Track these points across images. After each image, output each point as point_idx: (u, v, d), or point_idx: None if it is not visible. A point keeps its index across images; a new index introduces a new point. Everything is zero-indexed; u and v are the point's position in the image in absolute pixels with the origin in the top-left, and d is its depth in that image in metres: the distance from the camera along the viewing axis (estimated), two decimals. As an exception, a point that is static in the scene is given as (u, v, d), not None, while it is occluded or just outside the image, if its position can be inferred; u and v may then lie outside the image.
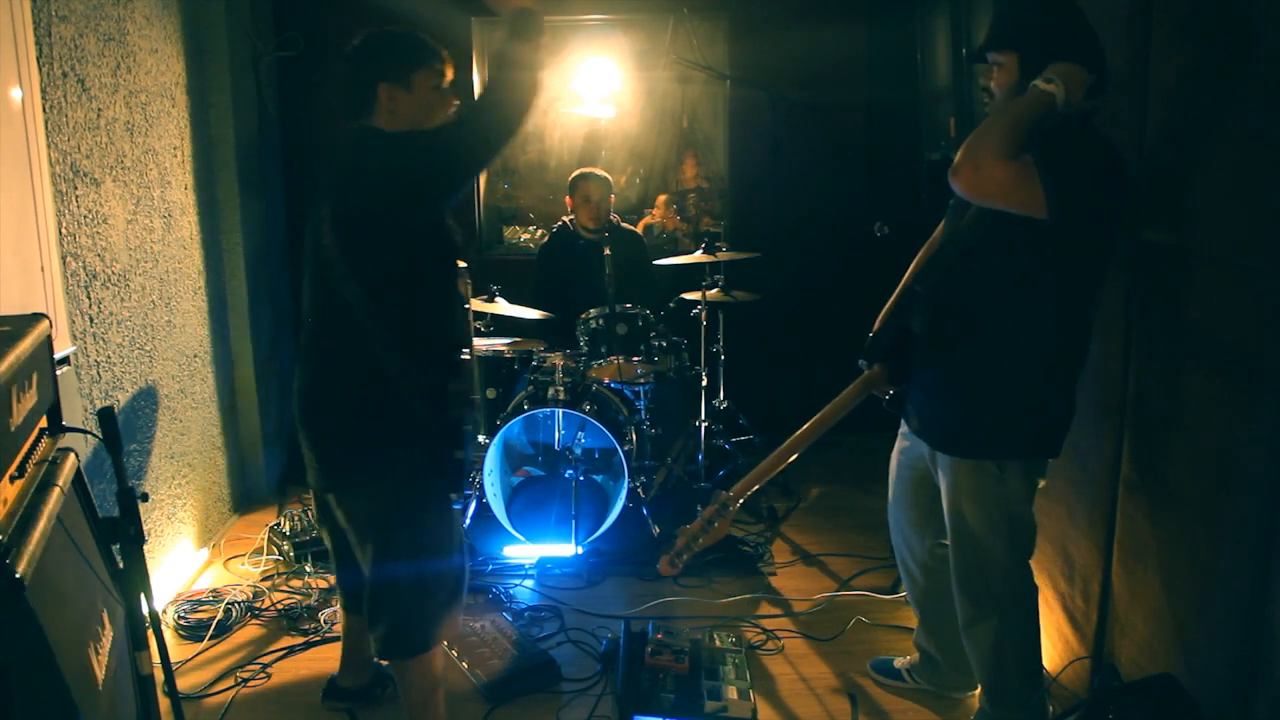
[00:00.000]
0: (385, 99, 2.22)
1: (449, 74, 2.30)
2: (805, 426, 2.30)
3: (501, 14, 2.18)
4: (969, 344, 2.13)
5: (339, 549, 2.41)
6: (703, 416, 4.15)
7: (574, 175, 4.35)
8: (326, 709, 2.61)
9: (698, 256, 4.06)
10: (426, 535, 2.19)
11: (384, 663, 2.50)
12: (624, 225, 4.47)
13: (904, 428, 2.47)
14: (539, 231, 5.20)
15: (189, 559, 3.49)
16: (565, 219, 4.40)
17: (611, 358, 3.83)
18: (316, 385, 2.22)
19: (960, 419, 2.21)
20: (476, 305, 3.86)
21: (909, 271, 2.44)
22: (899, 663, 2.76)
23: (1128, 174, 2.03)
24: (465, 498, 2.04)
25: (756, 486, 2.31)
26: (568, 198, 4.36)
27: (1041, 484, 2.27)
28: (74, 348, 2.73)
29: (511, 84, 2.16)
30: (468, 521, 3.69)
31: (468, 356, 2.35)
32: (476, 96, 2.18)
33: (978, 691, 2.59)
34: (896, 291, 2.43)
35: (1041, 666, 2.43)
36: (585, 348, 3.91)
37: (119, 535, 1.73)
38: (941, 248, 2.27)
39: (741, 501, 2.28)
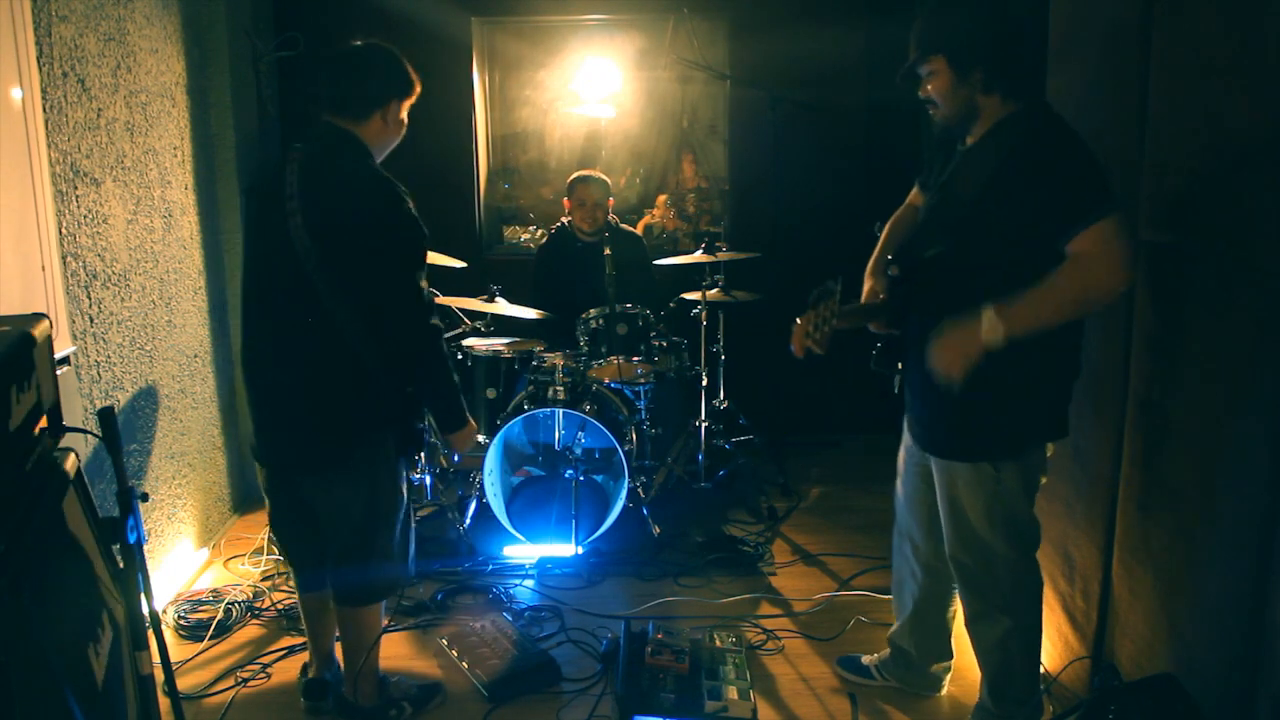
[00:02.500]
0: (382, 115, 2.34)
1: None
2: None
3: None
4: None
5: (297, 521, 2.51)
6: (703, 416, 4.15)
7: (572, 178, 4.34)
8: (307, 710, 2.61)
9: (698, 256, 4.06)
10: (395, 499, 2.45)
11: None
12: (623, 226, 4.46)
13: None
14: (539, 231, 5.19)
15: (189, 559, 3.49)
16: (564, 220, 4.40)
17: (611, 358, 3.83)
18: (301, 381, 2.33)
19: (954, 423, 2.21)
20: (477, 305, 3.86)
21: (879, 244, 2.45)
22: (867, 660, 2.77)
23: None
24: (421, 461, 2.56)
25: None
26: (565, 199, 4.35)
27: (1043, 481, 2.27)
28: (74, 348, 2.73)
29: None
30: (467, 521, 3.69)
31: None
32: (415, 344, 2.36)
33: (945, 691, 2.65)
34: (871, 262, 2.45)
35: (1041, 662, 2.44)
36: (585, 348, 3.91)
37: (119, 535, 1.73)
38: (924, 228, 2.27)
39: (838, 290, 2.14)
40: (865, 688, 2.72)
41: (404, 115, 2.40)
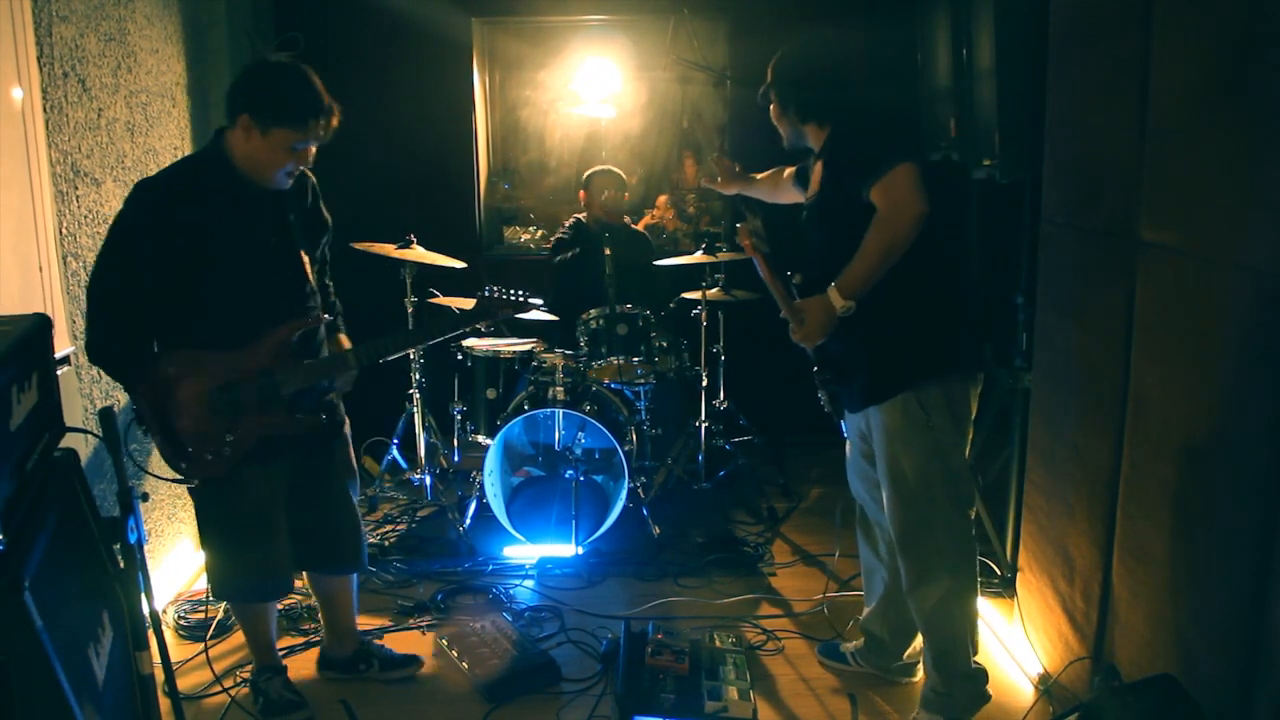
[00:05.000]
0: (242, 128, 2.30)
1: (312, 138, 2.31)
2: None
3: None
4: (855, 313, 2.33)
5: None
6: (703, 416, 4.15)
7: (589, 172, 4.41)
8: (323, 680, 2.74)
9: (698, 257, 4.06)
10: (198, 510, 2.49)
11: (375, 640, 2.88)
12: (633, 227, 4.50)
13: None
14: (539, 232, 5.20)
15: (189, 559, 3.48)
16: (579, 215, 4.43)
17: (611, 358, 3.83)
18: None
19: (872, 369, 2.40)
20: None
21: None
22: (845, 647, 2.83)
23: None
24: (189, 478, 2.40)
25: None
26: (582, 192, 4.38)
27: (969, 435, 2.41)
28: (74, 348, 2.73)
29: None
30: (467, 522, 3.69)
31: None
32: None
33: (919, 678, 2.68)
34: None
35: (977, 631, 2.50)
36: (585, 348, 3.90)
37: (119, 535, 1.73)
38: (804, 232, 2.61)
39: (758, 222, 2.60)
40: (846, 674, 2.78)
41: (281, 141, 2.25)
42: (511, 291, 2.77)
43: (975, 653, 2.49)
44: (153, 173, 3.26)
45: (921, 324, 2.36)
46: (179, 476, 2.33)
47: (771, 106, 2.54)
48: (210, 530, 2.47)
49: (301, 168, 2.37)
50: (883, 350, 2.38)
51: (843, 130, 2.44)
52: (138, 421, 2.32)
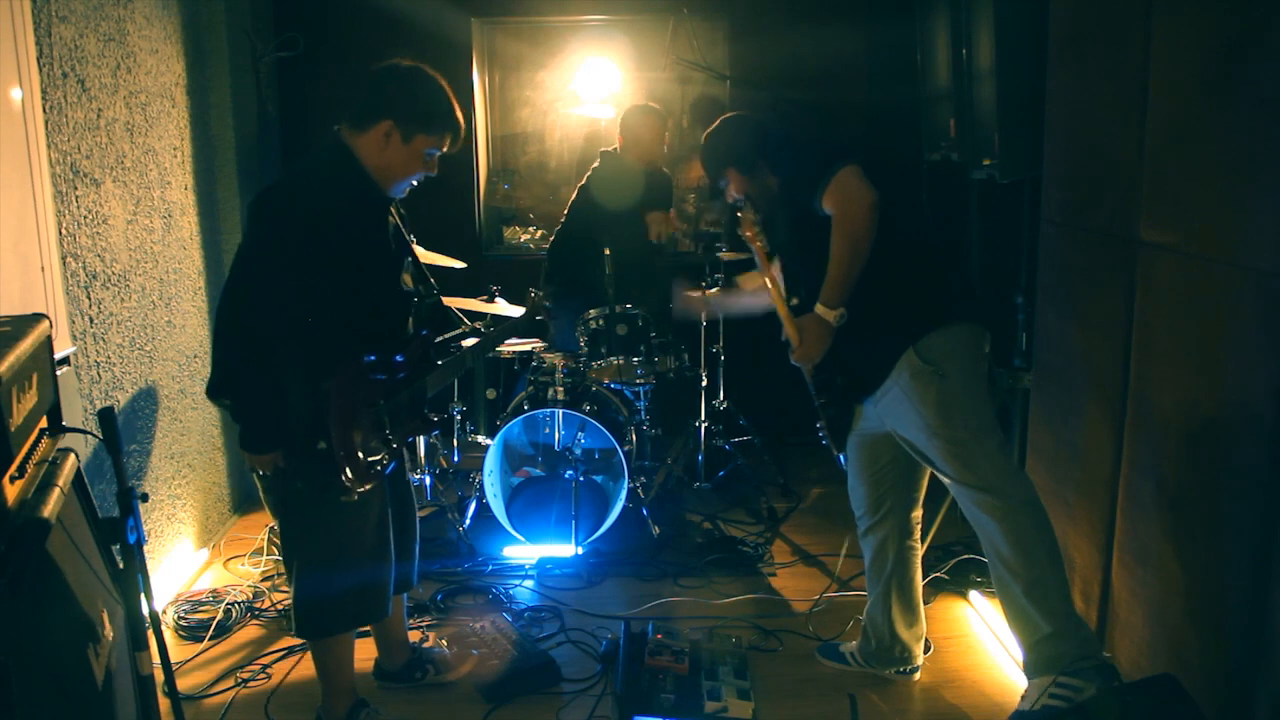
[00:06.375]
0: (381, 134, 2.23)
1: (446, 147, 2.32)
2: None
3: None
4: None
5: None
6: (703, 416, 4.15)
7: (630, 108, 4.19)
8: (381, 690, 2.70)
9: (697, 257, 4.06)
10: (300, 528, 2.33)
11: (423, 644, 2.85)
12: (664, 170, 4.40)
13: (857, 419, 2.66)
14: (539, 232, 5.20)
15: (189, 559, 3.48)
16: (612, 148, 4.23)
17: (611, 358, 3.83)
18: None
19: (871, 347, 2.44)
20: (476, 306, 3.86)
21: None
22: (845, 647, 2.85)
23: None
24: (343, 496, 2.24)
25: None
26: (619, 138, 4.19)
27: (985, 378, 2.41)
28: (74, 348, 2.73)
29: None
30: (467, 522, 3.69)
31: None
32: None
33: (917, 676, 2.71)
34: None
35: (1061, 555, 2.36)
36: (585, 348, 3.91)
37: (119, 535, 1.73)
38: (786, 269, 2.67)
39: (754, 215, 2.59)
40: (846, 674, 2.77)
41: (421, 148, 2.24)
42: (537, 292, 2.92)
43: (1062, 572, 2.33)
44: (152, 173, 3.29)
45: (902, 292, 2.42)
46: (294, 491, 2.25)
47: (732, 185, 2.66)
48: (326, 557, 2.32)
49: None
50: (874, 328, 2.43)
51: (783, 163, 2.53)
52: (284, 446, 2.21)
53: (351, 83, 2.41)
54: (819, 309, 2.38)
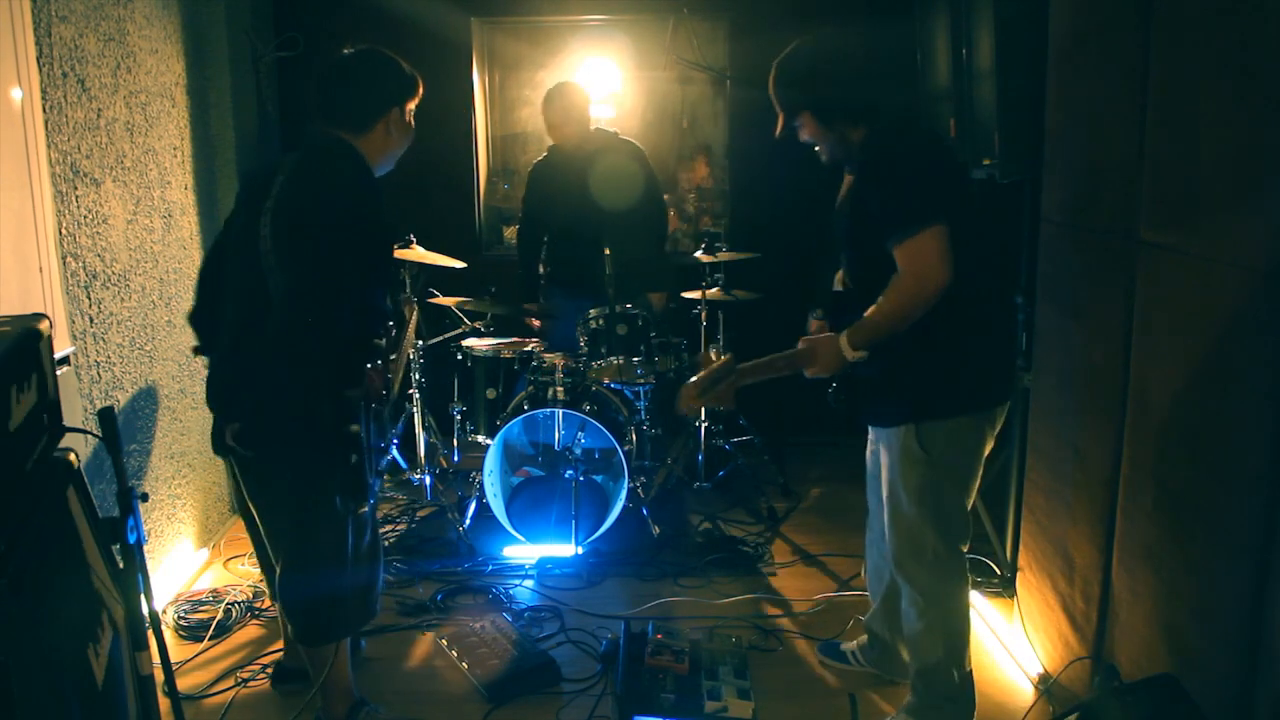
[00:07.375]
0: (385, 125, 2.27)
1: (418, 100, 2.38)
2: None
3: None
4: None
5: (248, 516, 2.48)
6: (703, 416, 4.15)
7: (543, 98, 4.17)
8: (278, 693, 2.66)
9: (698, 257, 4.06)
10: (316, 538, 2.28)
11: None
12: (622, 137, 4.23)
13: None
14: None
15: (189, 559, 3.48)
16: (549, 145, 4.26)
17: (611, 358, 3.83)
18: (242, 374, 2.20)
19: (882, 394, 2.39)
20: (476, 306, 3.86)
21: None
22: (846, 646, 2.83)
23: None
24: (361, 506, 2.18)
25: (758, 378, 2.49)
26: (545, 124, 4.19)
27: (978, 471, 2.39)
28: (74, 348, 2.73)
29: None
30: (467, 522, 3.69)
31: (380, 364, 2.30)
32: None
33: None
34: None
35: (967, 663, 2.47)
36: (585, 348, 3.91)
37: (119, 535, 1.73)
38: (835, 237, 2.53)
39: (745, 380, 2.48)
40: (846, 674, 2.78)
41: (409, 118, 2.34)
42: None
43: (964, 684, 2.45)
44: (152, 172, 3.28)
45: (938, 359, 2.29)
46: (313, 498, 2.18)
47: (805, 129, 2.42)
48: (336, 564, 2.29)
49: None
50: (893, 378, 2.34)
51: (874, 154, 2.31)
52: (343, 445, 2.09)
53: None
54: (842, 340, 2.25)
